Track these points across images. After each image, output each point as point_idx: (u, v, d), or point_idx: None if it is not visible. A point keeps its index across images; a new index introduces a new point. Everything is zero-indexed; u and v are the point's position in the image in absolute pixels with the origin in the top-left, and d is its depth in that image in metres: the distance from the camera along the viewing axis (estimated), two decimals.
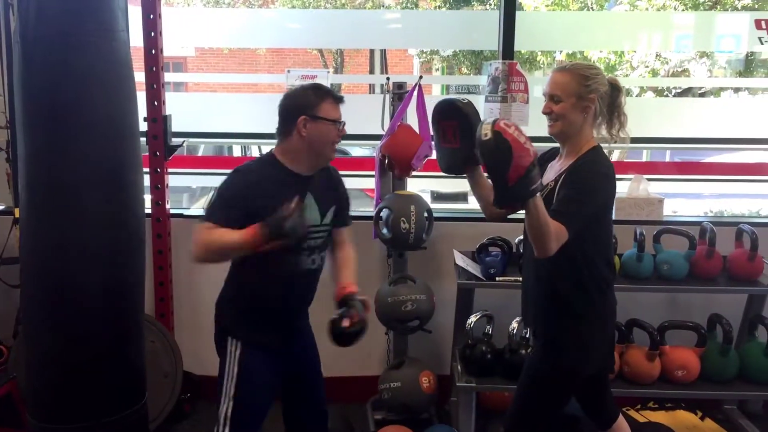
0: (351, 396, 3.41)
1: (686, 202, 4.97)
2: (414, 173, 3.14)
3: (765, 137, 3.66)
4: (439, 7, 12.62)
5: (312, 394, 2.43)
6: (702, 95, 8.53)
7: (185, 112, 3.50)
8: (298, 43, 5.24)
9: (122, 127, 2.56)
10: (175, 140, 3.39)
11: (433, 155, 3.23)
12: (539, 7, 9.80)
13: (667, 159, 5.27)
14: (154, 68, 3.27)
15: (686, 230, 3.08)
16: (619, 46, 6.45)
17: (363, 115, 3.43)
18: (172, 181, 3.49)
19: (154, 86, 3.27)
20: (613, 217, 2.19)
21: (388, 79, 3.24)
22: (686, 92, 8.70)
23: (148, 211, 3.34)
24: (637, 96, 7.77)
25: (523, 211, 2.17)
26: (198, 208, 4.29)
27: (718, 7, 8.98)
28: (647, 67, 9.10)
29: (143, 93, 3.25)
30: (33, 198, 2.48)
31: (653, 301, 3.37)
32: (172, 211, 3.47)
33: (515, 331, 2.97)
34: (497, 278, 3.02)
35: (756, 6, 8.47)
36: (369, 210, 3.22)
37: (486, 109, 3.39)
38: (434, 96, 10.13)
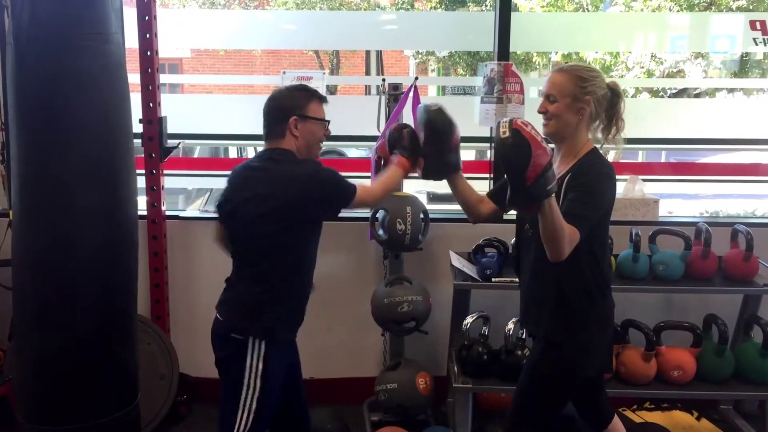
0: (347, 397, 3.41)
1: (682, 202, 4.98)
2: (410, 174, 3.13)
3: (760, 138, 3.67)
4: (435, 8, 12.64)
5: (297, 396, 2.42)
6: (697, 96, 8.55)
7: (181, 113, 3.49)
8: (294, 45, 5.25)
9: (115, 129, 2.56)
10: (171, 142, 3.38)
11: None
12: (534, 8, 9.81)
13: (663, 160, 5.28)
14: (149, 70, 3.26)
15: (682, 231, 3.09)
16: (614, 46, 6.46)
17: (359, 116, 3.44)
18: (168, 182, 3.48)
19: (150, 88, 3.26)
20: (610, 218, 2.19)
21: (383, 80, 3.24)
22: (681, 93, 8.71)
23: (143, 213, 3.34)
24: (632, 97, 7.78)
25: (514, 212, 2.18)
26: (194, 210, 4.29)
27: (713, 8, 9.00)
28: (642, 67, 9.12)
29: (139, 94, 3.24)
30: (25, 199, 2.48)
31: (649, 301, 3.38)
32: (167, 213, 3.47)
33: (511, 331, 2.97)
34: (493, 279, 3.02)
35: (751, 7, 8.49)
36: (365, 211, 3.22)
37: (481, 111, 3.39)
38: (430, 97, 10.14)
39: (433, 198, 5.35)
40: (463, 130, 2.25)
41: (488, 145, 3.59)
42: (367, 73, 13.92)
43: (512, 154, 1.76)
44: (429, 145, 2.20)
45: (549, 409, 2.22)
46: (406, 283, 3.12)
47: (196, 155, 5.13)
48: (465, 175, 2.31)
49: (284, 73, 3.43)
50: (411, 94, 3.14)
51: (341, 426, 3.19)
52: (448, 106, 2.21)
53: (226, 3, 14.13)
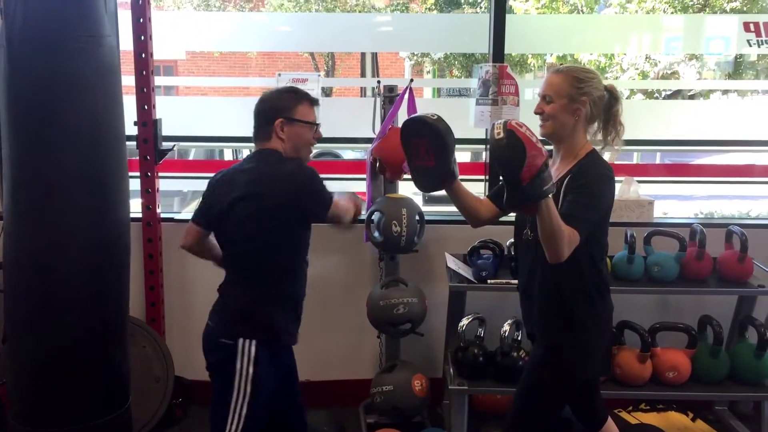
0: (343, 400, 3.41)
1: (677, 203, 4.99)
2: (405, 176, 3.14)
3: (754, 139, 3.68)
4: (430, 9, 12.66)
5: (294, 399, 2.41)
6: (692, 97, 8.58)
7: (176, 115, 3.49)
8: (289, 47, 5.26)
9: (108, 132, 2.56)
10: (166, 144, 3.38)
11: None
12: (529, 10, 9.84)
13: (658, 161, 5.30)
14: (144, 72, 3.26)
15: (676, 232, 3.09)
16: (609, 48, 6.49)
17: (354, 118, 3.43)
18: (163, 185, 3.48)
19: (144, 90, 3.26)
20: (609, 220, 2.19)
21: (379, 82, 3.24)
22: (676, 94, 8.75)
23: (138, 215, 3.34)
24: (627, 98, 7.81)
25: (513, 214, 2.18)
26: (189, 213, 4.28)
27: (707, 9, 9.04)
28: (637, 69, 9.15)
29: (133, 97, 3.24)
30: (17, 202, 2.47)
31: (644, 302, 3.38)
32: (162, 216, 3.46)
33: (507, 333, 2.97)
34: (489, 281, 3.02)
35: (745, 9, 8.53)
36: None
37: (477, 112, 3.40)
38: (425, 99, 10.17)
39: (429, 200, 5.35)
40: (458, 132, 2.23)
41: (483, 147, 3.59)
42: (363, 75, 13.93)
43: (506, 154, 1.76)
44: (437, 155, 2.04)
45: (549, 411, 2.22)
46: (402, 285, 3.12)
47: (191, 157, 5.12)
48: (460, 177, 2.29)
49: (279, 75, 3.43)
50: (406, 96, 3.14)
51: (337, 428, 3.19)
52: (443, 108, 2.20)
53: (221, 5, 14.12)
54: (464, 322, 3.06)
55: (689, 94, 8.72)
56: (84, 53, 2.42)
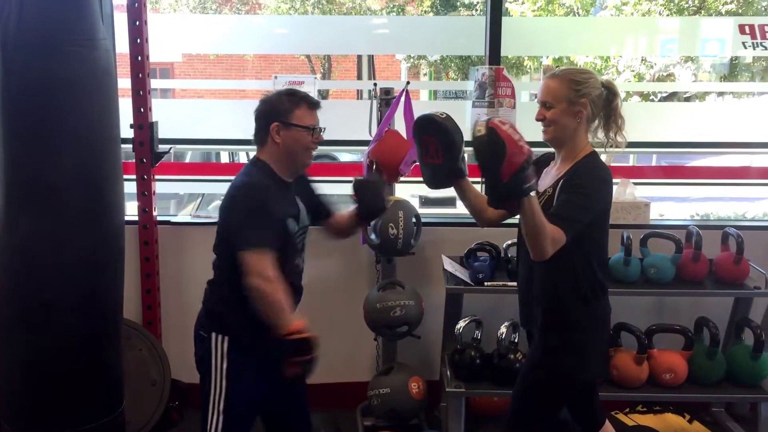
0: (340, 402, 3.40)
1: (673, 205, 5.00)
2: (402, 178, 3.14)
3: (749, 141, 3.69)
4: (426, 12, 12.68)
5: (297, 401, 2.41)
6: (687, 99, 8.60)
7: (172, 118, 3.49)
8: (286, 49, 5.25)
9: (102, 135, 2.55)
10: (162, 147, 3.37)
11: None
12: (526, 12, 9.86)
13: (654, 163, 5.31)
14: (140, 75, 3.25)
15: (673, 234, 3.09)
16: (605, 51, 6.50)
17: (351, 120, 3.43)
18: (159, 187, 3.47)
19: (141, 93, 3.25)
20: (608, 221, 2.19)
21: (375, 84, 3.24)
22: (672, 96, 8.76)
23: (134, 218, 3.33)
24: (623, 100, 7.82)
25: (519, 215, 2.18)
26: (185, 215, 4.27)
27: (702, 11, 9.07)
28: (633, 71, 9.17)
29: (130, 99, 3.23)
30: (11, 204, 2.47)
31: (640, 304, 3.39)
32: (159, 218, 3.45)
33: (504, 335, 2.97)
34: (486, 283, 3.02)
35: (740, 11, 8.56)
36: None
37: (473, 115, 3.40)
38: (422, 101, 10.17)
39: (425, 202, 5.35)
40: None
41: None
42: (359, 77, 13.93)
43: (486, 151, 1.78)
44: (445, 153, 2.11)
45: (546, 412, 2.22)
46: (399, 288, 3.12)
47: (187, 160, 5.11)
48: None
49: (276, 77, 3.43)
50: (402, 98, 3.14)
51: (334, 431, 3.18)
52: (439, 109, 2.20)
53: (218, 8, 14.12)
54: (461, 324, 3.06)
55: (685, 96, 8.74)
56: (79, 56, 2.42)
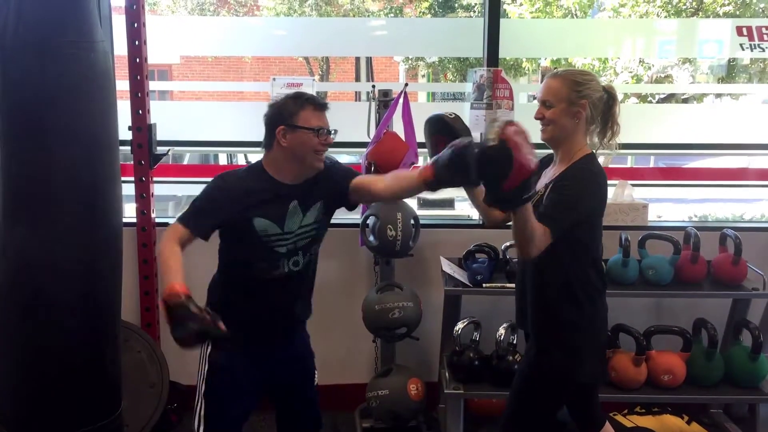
0: (339, 404, 3.40)
1: (671, 206, 5.01)
2: None
3: (747, 142, 3.69)
4: (424, 14, 12.69)
5: (303, 408, 2.41)
6: (685, 101, 8.61)
7: (170, 120, 3.48)
8: (284, 51, 5.25)
9: (100, 137, 2.55)
10: (160, 149, 3.37)
11: (420, 162, 3.24)
12: (524, 14, 9.87)
13: (652, 164, 5.31)
14: (138, 77, 3.25)
15: (671, 235, 3.10)
16: (603, 52, 6.51)
17: (349, 122, 3.43)
18: (158, 189, 3.47)
19: (139, 95, 3.25)
20: (600, 223, 2.19)
21: (373, 86, 3.24)
22: (669, 98, 8.78)
23: (133, 220, 3.33)
24: (621, 102, 7.83)
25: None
26: None
27: (700, 13, 9.09)
28: (631, 72, 9.18)
29: (128, 102, 3.23)
30: (9, 206, 2.46)
31: (639, 306, 3.39)
32: (157, 220, 3.45)
33: (502, 337, 2.97)
34: (484, 285, 3.02)
35: (737, 13, 8.58)
36: (356, 217, 3.22)
37: (471, 116, 3.40)
38: (420, 103, 10.17)
39: (424, 203, 5.36)
40: None
41: None
42: (357, 79, 13.93)
43: (492, 162, 1.74)
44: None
45: (542, 413, 2.22)
46: (397, 290, 3.12)
47: (185, 162, 5.12)
48: None
49: (274, 79, 3.43)
50: (401, 100, 3.15)
51: None
52: (438, 112, 2.20)
53: (216, 10, 14.13)
54: (459, 326, 3.06)
55: (683, 97, 8.75)
56: (77, 58, 2.41)
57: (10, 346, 2.52)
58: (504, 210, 1.93)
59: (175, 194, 4.90)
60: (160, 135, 3.37)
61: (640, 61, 9.06)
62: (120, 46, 3.22)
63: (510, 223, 2.23)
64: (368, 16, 13.36)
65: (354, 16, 13.18)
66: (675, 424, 3.32)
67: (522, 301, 2.24)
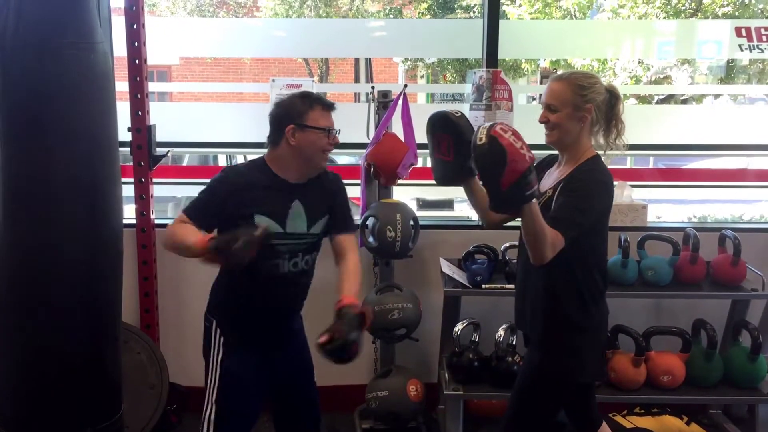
0: (338, 405, 3.40)
1: (670, 207, 5.01)
2: (400, 181, 3.14)
3: (746, 143, 3.70)
4: (423, 15, 12.69)
5: (304, 407, 2.41)
6: (684, 102, 8.62)
7: (170, 121, 3.48)
8: (283, 52, 5.24)
9: (100, 138, 2.56)
10: (160, 150, 3.37)
11: (419, 163, 3.24)
12: (523, 15, 9.87)
13: (651, 165, 5.32)
14: (137, 78, 3.25)
15: (670, 236, 3.10)
16: (602, 53, 6.51)
17: (349, 123, 3.42)
18: (157, 191, 3.47)
19: (138, 96, 3.25)
20: (607, 226, 2.19)
21: (373, 87, 3.25)
22: (669, 99, 8.78)
23: (132, 221, 3.33)
24: None
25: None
26: None
27: (699, 14, 9.09)
28: (630, 73, 9.19)
29: (127, 103, 3.23)
30: (7, 207, 2.47)
31: (638, 306, 3.39)
32: (157, 222, 3.45)
33: (502, 338, 2.98)
34: (483, 286, 3.03)
35: (736, 13, 8.58)
36: (355, 218, 3.22)
37: (470, 117, 3.39)
38: (419, 104, 10.18)
39: (423, 205, 5.35)
40: None
41: None
42: (357, 80, 13.93)
43: (486, 160, 1.77)
44: (456, 151, 2.13)
45: (543, 414, 2.22)
46: (397, 291, 3.12)
47: (185, 163, 5.11)
48: None
49: (273, 80, 3.43)
50: (400, 101, 3.15)
51: None
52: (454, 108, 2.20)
53: (215, 11, 14.13)
54: (459, 327, 3.06)
55: (682, 98, 8.76)
56: (77, 59, 2.42)
57: (10, 347, 2.52)
58: (511, 212, 1.91)
59: (174, 195, 4.89)
60: (160, 136, 3.37)
61: (639, 62, 9.06)
62: (119, 48, 3.21)
63: (508, 223, 2.25)
64: (367, 17, 13.37)
65: (353, 17, 13.18)
66: (674, 424, 3.32)
67: (521, 302, 2.24)
